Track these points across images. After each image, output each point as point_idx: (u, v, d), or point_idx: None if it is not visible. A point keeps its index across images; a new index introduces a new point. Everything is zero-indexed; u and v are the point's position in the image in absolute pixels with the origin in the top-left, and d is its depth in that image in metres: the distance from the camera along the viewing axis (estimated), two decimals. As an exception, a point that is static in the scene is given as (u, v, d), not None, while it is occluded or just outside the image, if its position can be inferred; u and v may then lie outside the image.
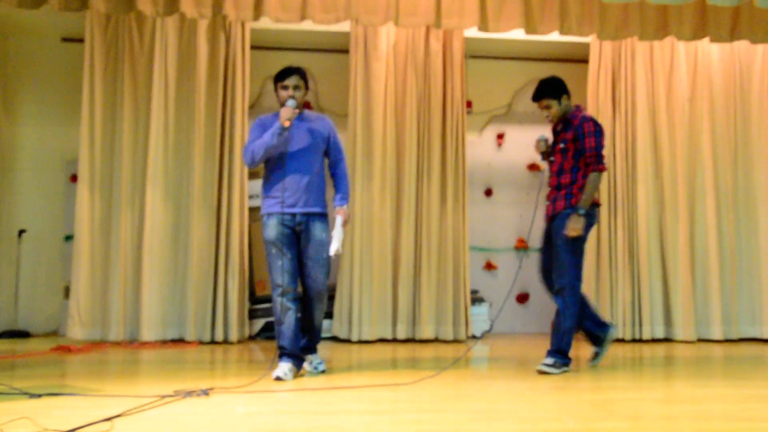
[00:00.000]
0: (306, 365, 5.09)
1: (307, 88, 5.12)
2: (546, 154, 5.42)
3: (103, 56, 7.18)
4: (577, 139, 5.25)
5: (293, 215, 4.98)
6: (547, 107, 5.30)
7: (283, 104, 5.00)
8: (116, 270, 7.03)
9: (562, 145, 5.31)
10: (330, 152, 5.18)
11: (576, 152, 5.25)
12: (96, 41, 7.16)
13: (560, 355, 5.13)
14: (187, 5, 6.45)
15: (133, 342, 6.92)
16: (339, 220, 5.03)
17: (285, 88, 5.01)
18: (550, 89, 5.28)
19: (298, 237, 5.04)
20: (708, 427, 3.59)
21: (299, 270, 5.07)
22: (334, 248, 4.96)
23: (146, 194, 7.04)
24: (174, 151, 7.19)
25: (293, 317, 4.98)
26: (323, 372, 5.13)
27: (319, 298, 5.09)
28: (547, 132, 5.62)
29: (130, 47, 7.21)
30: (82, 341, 6.84)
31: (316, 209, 5.04)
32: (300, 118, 5.10)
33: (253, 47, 7.41)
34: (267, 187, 5.08)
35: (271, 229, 4.98)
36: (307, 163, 5.02)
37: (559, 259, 5.22)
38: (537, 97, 5.32)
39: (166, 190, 7.10)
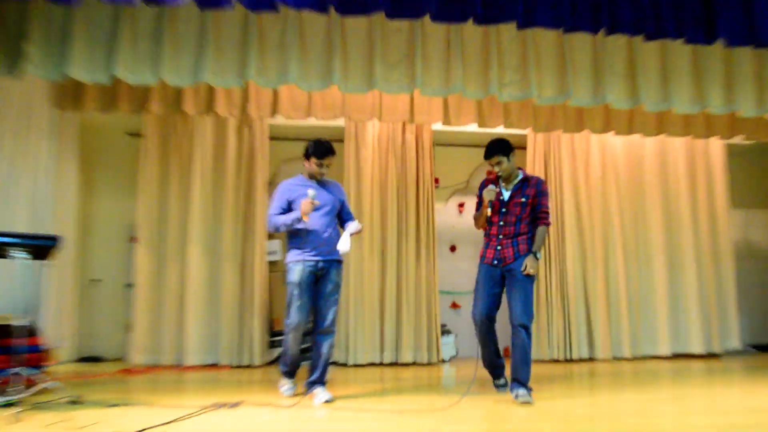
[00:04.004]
0: (315, 399, 4.84)
1: (333, 160, 5.14)
2: (491, 203, 5.03)
3: (157, 146, 7.58)
4: (536, 196, 5.03)
5: (316, 262, 4.95)
6: (499, 163, 4.97)
7: (311, 175, 5.09)
8: (166, 310, 7.37)
9: (523, 200, 5.00)
10: (342, 212, 5.20)
11: (531, 207, 5.03)
12: (152, 135, 7.58)
13: (528, 384, 4.86)
14: (220, 107, 6.94)
15: (179, 366, 7.22)
16: (353, 224, 4.99)
17: (320, 165, 5.04)
18: (501, 147, 5.00)
19: (317, 283, 4.99)
20: (621, 423, 3.96)
21: (313, 309, 5.02)
22: (344, 244, 4.84)
23: (188, 251, 7.42)
24: (210, 217, 7.54)
25: (299, 347, 5.07)
26: (330, 401, 4.81)
27: (327, 334, 4.99)
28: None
29: (177, 139, 7.61)
30: (141, 365, 7.17)
31: (335, 257, 5.02)
32: (320, 183, 5.14)
33: (270, 138, 7.79)
34: (294, 240, 5.02)
35: (296, 273, 4.93)
36: (326, 221, 5.03)
37: (525, 296, 4.87)
38: (490, 154, 5.01)
39: (203, 248, 7.46)
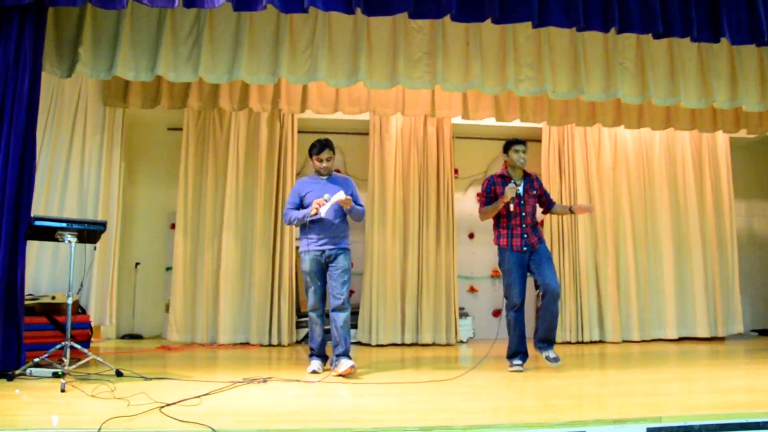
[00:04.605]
0: (341, 368, 4.91)
1: (334, 154, 5.30)
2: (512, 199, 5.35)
3: (195, 139, 7.71)
4: (541, 187, 5.56)
5: (323, 251, 5.13)
6: (525, 151, 5.42)
7: (317, 171, 5.28)
8: (201, 291, 7.48)
9: (534, 192, 5.46)
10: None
11: (538, 198, 5.52)
12: (190, 129, 7.69)
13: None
14: (253, 102, 7.08)
15: (213, 344, 7.31)
16: (339, 193, 5.01)
17: (320, 160, 5.23)
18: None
19: (327, 268, 5.16)
20: (629, 401, 3.94)
21: (327, 291, 5.21)
22: (324, 210, 4.98)
23: (222, 237, 7.51)
24: (242, 206, 7.63)
25: (321, 327, 5.24)
26: (353, 369, 4.95)
27: (342, 311, 5.08)
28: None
29: (213, 133, 7.72)
30: (178, 342, 7.31)
31: (342, 245, 5.21)
32: (330, 179, 5.29)
33: (300, 131, 7.86)
34: (304, 231, 5.20)
35: (307, 263, 5.16)
36: (335, 213, 5.19)
37: (554, 269, 5.36)
38: (521, 142, 5.46)
39: (236, 234, 7.56)
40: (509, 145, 5.50)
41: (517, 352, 5.38)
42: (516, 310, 5.32)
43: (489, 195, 5.50)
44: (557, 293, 5.26)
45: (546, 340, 5.33)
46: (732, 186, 8.68)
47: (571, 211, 5.57)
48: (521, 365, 5.35)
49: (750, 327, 9.03)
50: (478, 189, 8.42)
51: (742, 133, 8.18)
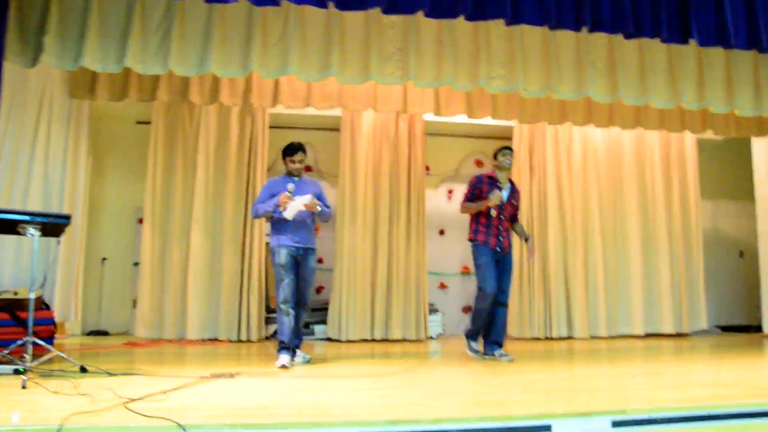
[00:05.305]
0: (296, 358, 5.43)
1: (305, 156, 5.56)
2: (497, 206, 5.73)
3: (164, 133, 7.69)
4: (519, 200, 5.97)
5: (297, 248, 5.36)
6: (511, 156, 5.81)
7: (290, 172, 5.51)
8: (169, 287, 7.49)
9: (514, 202, 5.89)
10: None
11: (513, 208, 5.90)
12: (159, 123, 7.67)
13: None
14: (224, 96, 7.02)
15: (181, 339, 7.33)
16: (307, 195, 5.23)
17: (293, 162, 5.47)
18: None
19: (298, 264, 5.40)
20: (596, 395, 3.95)
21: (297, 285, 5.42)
22: (290, 210, 5.20)
23: (191, 233, 7.53)
24: (212, 201, 7.64)
25: (292, 320, 5.31)
26: (309, 361, 5.50)
27: (305, 309, 5.54)
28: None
29: (183, 127, 7.70)
30: (145, 338, 7.29)
31: (310, 245, 5.47)
32: (300, 180, 5.49)
33: (271, 126, 7.91)
34: (278, 227, 5.40)
35: (282, 256, 5.32)
36: (304, 213, 5.37)
37: (511, 281, 5.86)
38: (508, 147, 5.88)
39: (205, 229, 7.57)
40: (498, 150, 5.86)
41: (478, 332, 5.81)
42: (490, 298, 5.62)
43: (474, 192, 5.82)
44: (505, 304, 5.81)
45: (496, 342, 5.79)
46: (699, 186, 8.83)
47: (524, 239, 5.97)
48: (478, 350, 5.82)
49: (713, 323, 9.24)
50: (450, 186, 8.83)
51: (709, 134, 8.32)
